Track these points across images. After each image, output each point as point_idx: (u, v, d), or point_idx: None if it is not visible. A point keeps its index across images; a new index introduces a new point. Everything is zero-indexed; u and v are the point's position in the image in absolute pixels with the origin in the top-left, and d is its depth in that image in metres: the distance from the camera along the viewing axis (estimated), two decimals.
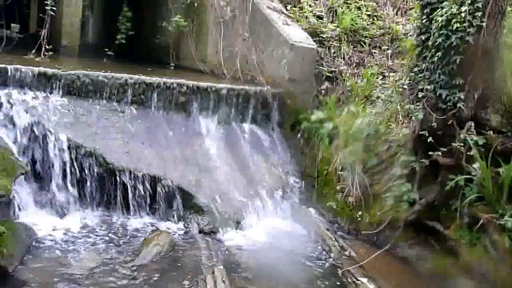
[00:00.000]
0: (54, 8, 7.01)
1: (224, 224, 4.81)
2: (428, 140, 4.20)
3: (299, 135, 6.09)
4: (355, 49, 6.81)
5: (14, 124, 4.60)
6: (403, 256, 4.63)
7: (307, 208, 5.39)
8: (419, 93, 4.24)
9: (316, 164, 5.78)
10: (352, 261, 4.49)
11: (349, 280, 4.13)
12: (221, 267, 3.96)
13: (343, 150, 5.54)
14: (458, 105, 4.07)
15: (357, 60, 6.69)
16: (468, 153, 4.11)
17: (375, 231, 4.89)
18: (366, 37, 6.81)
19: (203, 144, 5.49)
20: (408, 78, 4.55)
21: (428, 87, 4.15)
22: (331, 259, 4.52)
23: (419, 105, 4.24)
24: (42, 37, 6.63)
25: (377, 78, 6.15)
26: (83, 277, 3.64)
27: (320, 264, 4.45)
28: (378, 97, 5.28)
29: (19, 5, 9.91)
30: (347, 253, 4.63)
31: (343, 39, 6.78)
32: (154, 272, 3.84)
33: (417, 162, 4.39)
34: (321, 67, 6.49)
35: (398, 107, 5.13)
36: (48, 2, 6.86)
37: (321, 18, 6.97)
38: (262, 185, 5.44)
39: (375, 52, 6.65)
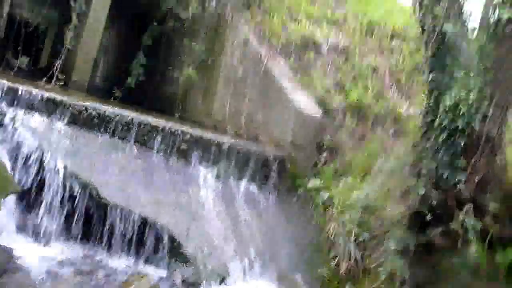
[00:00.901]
0: (73, 43, 7.25)
1: (208, 278, 4.63)
2: (426, 218, 4.19)
3: (294, 199, 6.07)
4: (358, 124, 6.96)
5: (13, 144, 4.56)
6: None
7: (295, 276, 5.22)
8: (421, 170, 4.29)
9: (309, 231, 5.70)
10: None
11: None
12: None
13: (337, 221, 5.49)
14: (459, 186, 4.10)
15: (359, 135, 6.82)
16: (465, 235, 4.09)
17: None
18: (369, 114, 6.99)
19: (199, 194, 5.42)
20: (411, 155, 4.62)
21: (432, 164, 4.21)
22: None
23: (420, 181, 4.28)
24: (55, 67, 6.78)
25: (378, 154, 6.23)
26: None
27: None
28: (379, 170, 5.32)
29: (37, 38, 10.12)
30: None
31: (347, 113, 6.95)
32: None
33: (412, 239, 4.34)
34: (323, 136, 6.59)
35: (396, 183, 5.16)
36: (69, 37, 7.10)
37: (329, 91, 7.18)
38: (252, 244, 5.31)
39: (377, 130, 6.79)
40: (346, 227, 5.25)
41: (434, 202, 4.20)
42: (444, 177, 4.17)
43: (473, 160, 4.09)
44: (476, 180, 4.11)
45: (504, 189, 4.27)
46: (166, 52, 8.75)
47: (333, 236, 5.36)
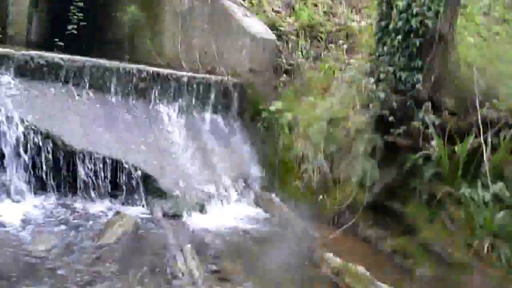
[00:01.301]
0: None
1: (188, 208, 4.74)
2: (389, 120, 4.37)
3: (259, 124, 6.14)
4: (312, 43, 6.98)
5: None
6: (365, 236, 4.76)
7: (270, 194, 5.41)
8: (380, 75, 4.41)
9: (277, 152, 5.84)
10: (316, 240, 4.57)
11: (315, 256, 4.19)
12: (189, 245, 3.89)
13: (303, 138, 5.64)
14: (416, 86, 4.27)
15: (314, 55, 6.86)
16: (425, 132, 4.32)
17: (337, 214, 5.01)
18: (322, 32, 7.00)
19: (165, 130, 5.40)
20: (369, 62, 4.72)
21: (389, 68, 4.34)
22: (295, 239, 4.56)
23: (380, 87, 4.41)
24: None
25: (334, 71, 6.33)
26: (44, 258, 3.45)
27: (285, 243, 4.49)
28: (338, 84, 5.42)
29: None
30: (311, 233, 4.69)
31: (300, 34, 6.93)
32: (120, 251, 3.72)
33: (378, 140, 4.54)
34: (279, 60, 6.60)
35: (357, 90, 5.29)
36: None
37: (279, 13, 7.10)
38: (224, 172, 5.42)
39: (331, 47, 6.84)
40: (313, 142, 5.40)
41: (395, 105, 4.37)
42: (402, 79, 4.32)
43: (428, 59, 4.23)
44: (432, 79, 4.28)
45: (458, 85, 4.49)
46: None
47: (301, 153, 5.52)
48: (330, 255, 4.15)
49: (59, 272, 3.29)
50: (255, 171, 5.70)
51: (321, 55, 6.87)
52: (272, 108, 6.07)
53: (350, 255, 4.21)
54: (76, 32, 7.71)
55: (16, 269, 3.24)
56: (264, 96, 6.27)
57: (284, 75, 6.55)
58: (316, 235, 4.67)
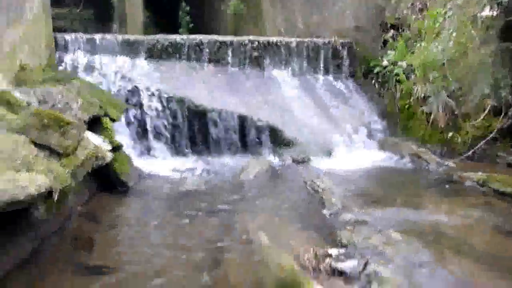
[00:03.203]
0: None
1: (315, 154, 4.84)
2: None
3: (373, 80, 6.10)
4: None
5: (108, 84, 4.91)
6: (508, 162, 4.47)
7: (396, 140, 5.31)
8: None
9: (395, 101, 5.74)
10: (453, 168, 4.39)
11: (455, 176, 4.03)
12: (323, 174, 3.97)
13: (422, 82, 5.48)
14: None
15: (420, 6, 6.69)
16: None
17: (471, 146, 4.77)
18: None
19: (281, 92, 5.60)
20: None
21: None
22: (432, 170, 4.43)
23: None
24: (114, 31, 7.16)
25: (445, 17, 6.10)
26: (193, 190, 3.76)
27: (421, 172, 4.38)
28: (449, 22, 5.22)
29: None
30: (446, 164, 4.51)
31: None
32: (259, 182, 3.94)
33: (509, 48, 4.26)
34: (385, 16, 6.54)
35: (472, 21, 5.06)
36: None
37: None
38: (345, 123, 5.45)
39: None
40: (434, 83, 5.23)
41: None
42: None
43: None
44: None
45: None
46: None
47: (422, 96, 5.36)
48: (471, 172, 3.98)
49: (209, 197, 3.56)
50: (376, 121, 5.64)
51: (426, 5, 6.68)
52: (385, 62, 6.01)
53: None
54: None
55: (175, 197, 3.59)
56: (373, 52, 6.24)
57: (392, 30, 6.47)
58: (452, 165, 4.49)
